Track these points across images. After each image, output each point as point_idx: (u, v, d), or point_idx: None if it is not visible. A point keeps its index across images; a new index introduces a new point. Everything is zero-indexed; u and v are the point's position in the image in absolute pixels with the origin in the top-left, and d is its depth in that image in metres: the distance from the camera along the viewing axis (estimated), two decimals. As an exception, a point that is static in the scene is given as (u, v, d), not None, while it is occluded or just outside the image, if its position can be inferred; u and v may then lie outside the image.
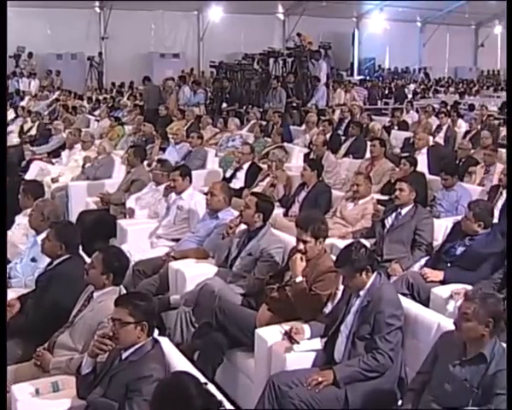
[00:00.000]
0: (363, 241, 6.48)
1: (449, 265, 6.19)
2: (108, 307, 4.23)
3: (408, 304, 4.93)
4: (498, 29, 40.23)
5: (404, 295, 5.67)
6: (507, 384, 3.73)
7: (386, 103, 22.16)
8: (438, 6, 35.04)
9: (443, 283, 5.98)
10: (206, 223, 6.96)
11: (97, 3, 28.33)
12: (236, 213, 6.71)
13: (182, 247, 6.90)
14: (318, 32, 27.32)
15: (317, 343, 4.89)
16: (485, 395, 3.84)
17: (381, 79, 31.98)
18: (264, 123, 14.05)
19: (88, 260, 5.08)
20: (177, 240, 7.21)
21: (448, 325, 4.26)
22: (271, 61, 19.07)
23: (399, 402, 4.45)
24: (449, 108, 18.18)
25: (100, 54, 28.10)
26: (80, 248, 5.62)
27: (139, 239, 7.54)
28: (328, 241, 6.68)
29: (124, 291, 4.79)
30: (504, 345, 4.05)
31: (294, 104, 17.21)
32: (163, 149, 11.84)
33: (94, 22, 28.49)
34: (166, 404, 3.10)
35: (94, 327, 4.48)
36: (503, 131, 14.70)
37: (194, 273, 6.16)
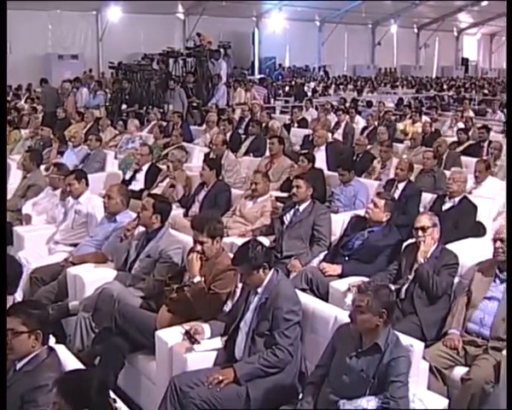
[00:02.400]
0: (263, 238, 6.58)
1: (346, 258, 6.32)
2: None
3: (305, 299, 4.99)
4: (394, 28, 41.52)
5: (303, 290, 5.77)
6: (507, 384, 3.80)
7: (287, 101, 22.40)
8: (335, 6, 35.85)
9: (341, 276, 6.09)
10: (105, 226, 6.85)
11: (-10, 3, 27.37)
12: (135, 215, 6.63)
13: (80, 251, 6.76)
14: (219, 32, 27.45)
15: (218, 342, 4.89)
16: (381, 384, 3.95)
17: (281, 77, 32.31)
18: (164, 123, 13.94)
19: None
20: (75, 245, 7.05)
21: (345, 317, 4.33)
22: (171, 61, 18.95)
23: (300, 396, 4.49)
24: (347, 105, 18.57)
25: (-6, 55, 27.15)
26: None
27: (36, 246, 7.33)
28: (227, 239, 6.75)
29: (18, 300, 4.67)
30: (398, 333, 4.18)
31: (195, 104, 17.19)
32: (61, 153, 11.58)
33: (-14, 23, 27.52)
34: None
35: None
36: (401, 126, 15.15)
37: (93, 278, 6.04)
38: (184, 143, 11.70)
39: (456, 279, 5.64)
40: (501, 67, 51.83)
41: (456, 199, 7.54)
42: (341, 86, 29.29)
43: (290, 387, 4.58)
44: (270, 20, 35.97)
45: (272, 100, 22.13)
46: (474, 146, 12.01)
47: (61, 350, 4.09)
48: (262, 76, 29.80)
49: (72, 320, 5.82)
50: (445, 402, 4.45)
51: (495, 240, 5.23)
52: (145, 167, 9.68)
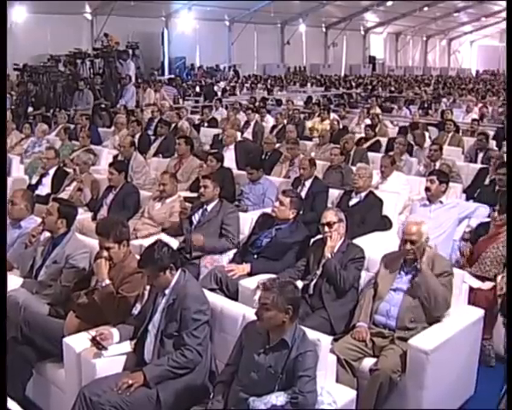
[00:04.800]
0: (172, 239, 6.56)
1: (255, 256, 6.36)
2: None
3: (213, 298, 4.99)
4: (303, 27, 42.09)
5: (213, 290, 5.78)
6: (507, 384, 3.84)
7: (197, 101, 22.36)
8: (244, 5, 35.99)
9: (251, 274, 6.12)
10: (9, 233, 6.65)
11: None
12: (40, 220, 6.48)
13: (-17, 259, 6.55)
14: (128, 32, 27.08)
15: (127, 346, 4.83)
16: (290, 379, 4.00)
17: (191, 77, 32.22)
18: (72, 126, 13.67)
19: None
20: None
21: (252, 315, 4.34)
22: (78, 62, 18.63)
23: (212, 395, 4.49)
24: (257, 104, 18.68)
25: None
26: None
27: None
28: (136, 242, 6.67)
29: None
30: (305, 329, 4.23)
31: (103, 105, 16.94)
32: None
33: None
34: None
35: None
36: (309, 124, 15.35)
37: (-3, 286, 5.86)
38: (92, 146, 11.50)
39: (363, 273, 5.75)
40: (406, 65, 53.36)
41: (363, 194, 7.70)
42: (252, 85, 29.44)
43: (201, 387, 4.57)
44: (180, 20, 35.81)
45: (181, 100, 22.02)
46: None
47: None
48: (171, 76, 29.61)
49: (-24, 331, 5.64)
50: (352, 394, 4.53)
51: (405, 241, 5.31)
52: (52, 171, 9.47)
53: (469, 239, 6.81)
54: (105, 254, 5.21)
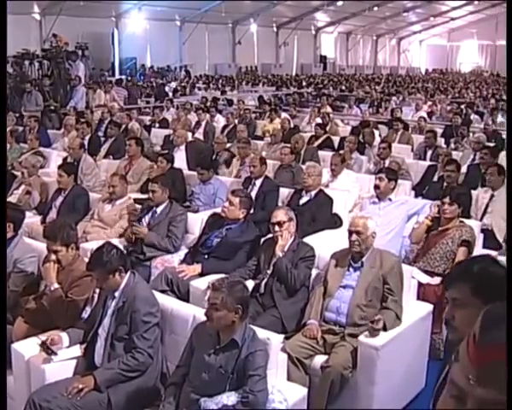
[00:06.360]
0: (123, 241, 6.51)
1: (206, 257, 6.35)
2: None
3: (163, 300, 4.97)
4: (254, 27, 42.16)
5: (163, 291, 5.75)
6: (507, 384, 3.85)
7: (148, 102, 22.22)
8: (195, 5, 35.88)
9: (202, 275, 6.10)
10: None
11: None
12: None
13: None
14: (77, 33, 26.70)
15: (77, 350, 4.78)
16: (240, 379, 4.01)
17: (142, 78, 32.00)
18: (20, 128, 13.46)
19: None
20: None
21: (203, 316, 4.32)
22: (27, 63, 18.37)
23: (163, 397, 4.47)
24: (208, 104, 18.65)
25: None
26: None
27: None
28: (87, 245, 6.60)
29: None
30: (255, 328, 4.24)
31: (52, 107, 16.72)
32: None
33: None
34: None
35: None
36: (261, 124, 15.39)
37: None
38: (42, 148, 11.35)
39: (314, 271, 5.79)
40: (357, 64, 53.90)
41: (313, 193, 7.75)
42: (203, 85, 29.37)
43: (152, 389, 4.55)
44: (130, 20, 35.50)
45: (139, 100, 21.88)
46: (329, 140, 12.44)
47: None
48: (120, 77, 29.34)
49: None
50: (304, 391, 4.55)
51: (351, 232, 5.39)
52: None
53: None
54: (53, 257, 5.15)
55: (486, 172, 8.21)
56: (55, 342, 4.66)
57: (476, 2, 49.42)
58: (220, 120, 15.88)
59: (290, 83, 32.57)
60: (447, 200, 6.48)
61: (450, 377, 1.34)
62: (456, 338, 1.92)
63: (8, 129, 13.69)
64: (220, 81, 32.40)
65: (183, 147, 10.99)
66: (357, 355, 4.90)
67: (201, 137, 13.88)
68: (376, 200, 7.40)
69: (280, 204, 7.83)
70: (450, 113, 17.03)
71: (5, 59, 6.60)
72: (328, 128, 13.46)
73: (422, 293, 5.93)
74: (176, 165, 9.48)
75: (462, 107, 19.00)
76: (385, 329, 4.92)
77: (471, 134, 12.55)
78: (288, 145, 10.46)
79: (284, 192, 8.28)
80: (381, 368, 4.85)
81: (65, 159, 10.25)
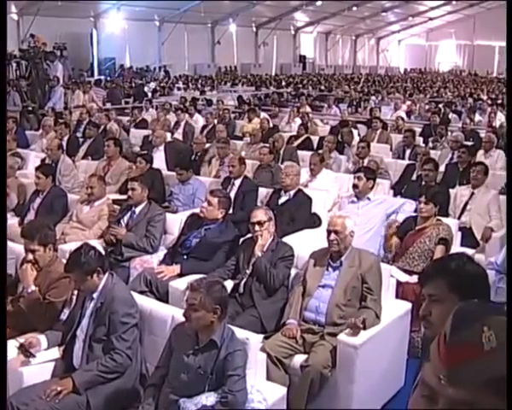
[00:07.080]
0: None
1: (185, 257, 6.33)
2: None
3: (142, 300, 4.95)
4: (233, 27, 42.15)
5: (143, 292, 5.72)
6: (507, 384, 3.84)
7: (127, 102, 22.12)
8: (174, 5, 35.77)
9: (181, 275, 6.09)
10: None
11: None
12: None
13: None
14: (55, 33, 26.53)
15: (55, 352, 4.75)
16: (219, 379, 4.01)
17: (121, 78, 31.85)
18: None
19: None
20: None
21: (181, 316, 4.31)
22: (4, 64, 18.21)
23: (142, 399, 4.46)
24: (187, 104, 18.60)
25: None
26: None
27: None
28: (65, 246, 6.56)
29: None
30: (234, 328, 4.24)
31: (30, 108, 16.60)
32: None
33: None
34: None
35: None
36: (240, 123, 15.38)
37: None
38: (19, 149, 11.26)
39: (293, 270, 5.80)
40: (336, 64, 54.05)
41: (292, 192, 7.76)
42: (183, 85, 29.30)
43: (131, 391, 4.54)
44: (109, 21, 35.32)
45: (123, 101, 21.79)
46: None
47: None
48: (99, 77, 29.19)
49: None
50: (283, 391, 4.55)
51: (329, 232, 5.40)
52: (-24, 176, 9.23)
53: (396, 233, 6.93)
54: (30, 257, 5.13)
55: (472, 171, 8.17)
56: (33, 345, 4.63)
57: (454, 3, 49.79)
58: (199, 120, 15.85)
59: (270, 83, 32.59)
60: (423, 199, 6.53)
61: (422, 377, 1.34)
62: (433, 334, 1.93)
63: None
64: (199, 81, 32.36)
65: (161, 147, 10.94)
66: (336, 354, 4.90)
67: (180, 138, 13.85)
68: (355, 199, 7.43)
69: (259, 204, 7.84)
70: (428, 112, 17.12)
71: (5, 59, 6.57)
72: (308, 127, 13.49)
73: (401, 292, 5.97)
74: (155, 165, 9.45)
75: (441, 106, 19.15)
76: (364, 328, 4.93)
77: (449, 133, 12.62)
78: (267, 145, 10.47)
79: (263, 192, 8.29)
80: (361, 367, 4.86)
81: (43, 160, 10.18)
